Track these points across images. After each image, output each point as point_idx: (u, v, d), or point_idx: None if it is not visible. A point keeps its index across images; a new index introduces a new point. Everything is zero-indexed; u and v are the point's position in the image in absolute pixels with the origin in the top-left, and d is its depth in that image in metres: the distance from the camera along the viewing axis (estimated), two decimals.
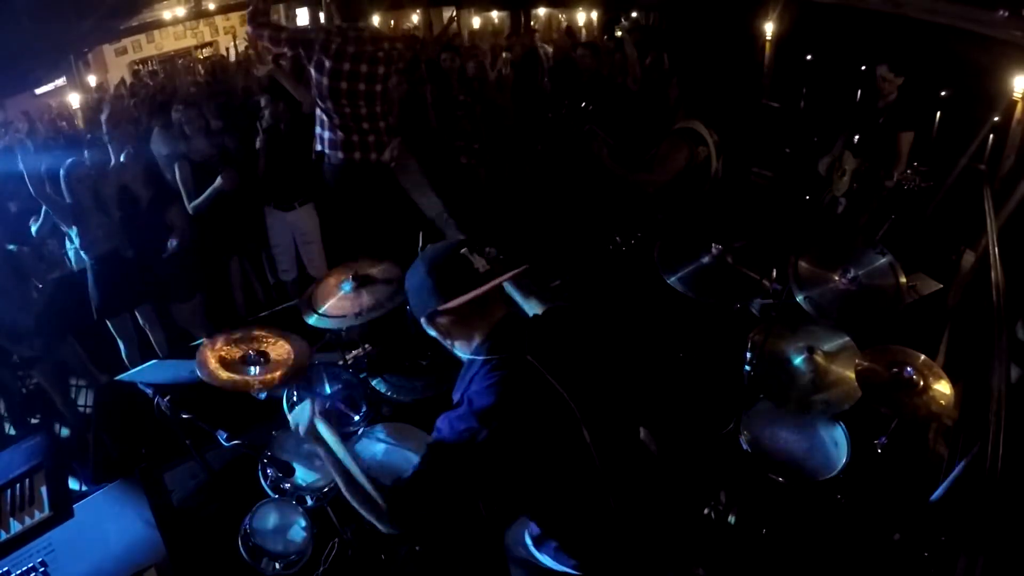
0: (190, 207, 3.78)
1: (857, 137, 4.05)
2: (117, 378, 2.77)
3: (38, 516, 2.04)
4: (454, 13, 7.74)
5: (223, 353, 2.34)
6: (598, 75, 5.08)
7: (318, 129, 3.60)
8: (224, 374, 2.26)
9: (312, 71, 3.39)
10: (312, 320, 2.54)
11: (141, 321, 3.83)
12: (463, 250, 1.36)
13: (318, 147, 3.64)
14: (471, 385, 1.41)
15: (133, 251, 3.58)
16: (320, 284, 2.73)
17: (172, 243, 3.59)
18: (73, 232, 3.47)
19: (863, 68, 4.74)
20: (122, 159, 3.60)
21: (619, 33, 6.73)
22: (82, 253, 3.52)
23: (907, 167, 3.87)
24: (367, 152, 3.58)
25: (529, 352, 1.39)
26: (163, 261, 3.65)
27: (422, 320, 1.43)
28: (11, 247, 3.46)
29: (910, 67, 3.80)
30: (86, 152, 3.59)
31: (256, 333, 2.49)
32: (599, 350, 1.55)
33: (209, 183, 3.74)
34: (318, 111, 3.55)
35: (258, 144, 3.88)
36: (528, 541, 1.65)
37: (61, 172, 3.37)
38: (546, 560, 1.60)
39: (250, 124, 4.02)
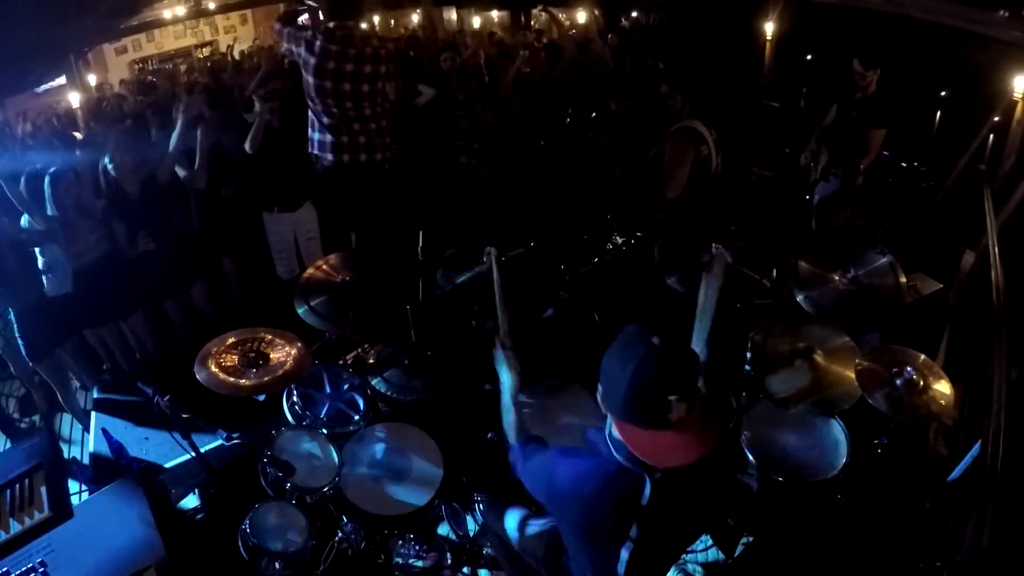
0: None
1: (830, 129, 4.12)
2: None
3: (38, 516, 2.04)
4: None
5: (223, 357, 2.35)
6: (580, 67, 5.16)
7: (309, 131, 3.59)
8: (224, 378, 2.27)
9: (302, 71, 3.39)
10: (302, 311, 2.54)
11: (128, 333, 3.80)
12: (673, 397, 1.24)
13: (309, 149, 3.64)
14: (598, 459, 1.41)
15: (128, 248, 3.55)
16: (315, 273, 2.72)
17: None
18: (52, 251, 3.32)
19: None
20: (111, 161, 3.56)
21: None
22: (50, 275, 3.40)
23: (876, 161, 3.96)
24: (356, 153, 3.57)
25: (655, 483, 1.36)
26: (164, 252, 3.65)
27: (599, 396, 1.38)
28: (20, 234, 3.32)
29: (887, 62, 3.84)
30: (78, 152, 3.51)
31: (256, 334, 2.50)
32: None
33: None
34: (310, 113, 3.54)
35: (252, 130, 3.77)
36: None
37: (45, 182, 3.21)
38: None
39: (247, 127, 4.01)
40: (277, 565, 2.13)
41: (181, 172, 3.76)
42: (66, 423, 3.89)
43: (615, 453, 1.35)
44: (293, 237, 4.24)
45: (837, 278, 2.51)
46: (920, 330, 3.10)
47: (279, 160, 3.93)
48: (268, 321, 2.64)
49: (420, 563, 2.37)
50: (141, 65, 8.88)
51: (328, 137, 3.51)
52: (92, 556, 1.96)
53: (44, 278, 3.41)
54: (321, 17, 3.38)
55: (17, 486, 2.12)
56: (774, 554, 2.49)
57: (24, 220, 3.35)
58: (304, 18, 3.80)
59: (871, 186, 4.17)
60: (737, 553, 2.52)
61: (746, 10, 6.42)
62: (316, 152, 3.60)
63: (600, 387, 1.35)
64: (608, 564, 1.43)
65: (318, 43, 3.30)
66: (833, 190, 4.16)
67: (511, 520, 1.99)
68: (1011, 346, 2.46)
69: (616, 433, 1.34)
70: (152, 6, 7.79)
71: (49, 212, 3.25)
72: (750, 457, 2.38)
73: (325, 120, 3.47)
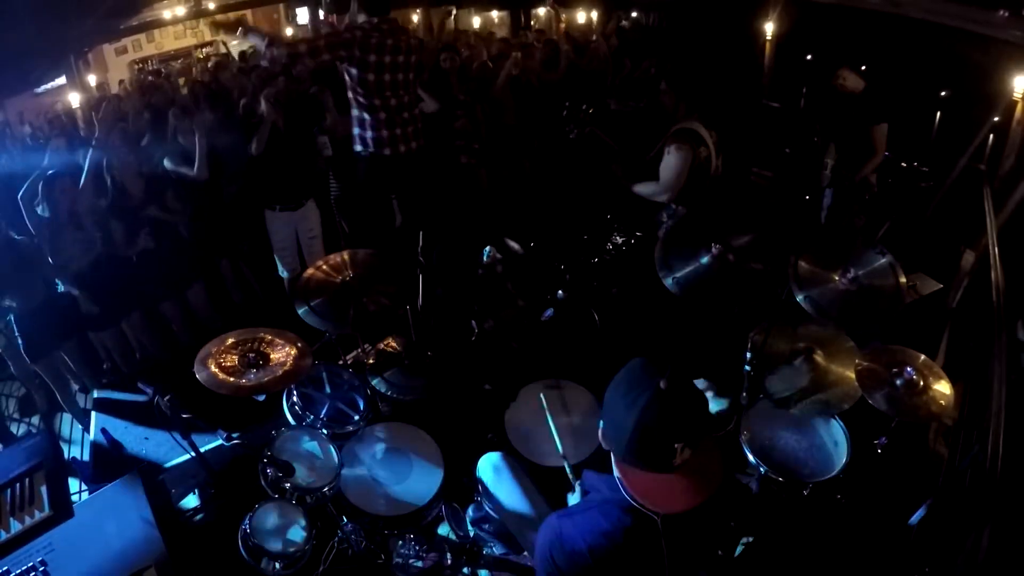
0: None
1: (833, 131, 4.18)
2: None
3: (38, 516, 2.04)
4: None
5: (223, 357, 2.35)
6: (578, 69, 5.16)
7: (358, 130, 3.54)
8: (224, 378, 2.27)
9: (354, 71, 3.30)
10: (302, 311, 2.54)
11: (128, 333, 3.80)
12: (679, 445, 1.22)
13: (358, 147, 3.58)
14: (600, 501, 1.38)
15: (130, 252, 3.55)
16: (314, 273, 2.72)
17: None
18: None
19: (863, 68, 4.76)
20: (112, 161, 3.55)
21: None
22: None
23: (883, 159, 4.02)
24: (408, 143, 3.60)
25: (664, 519, 1.32)
26: (162, 253, 3.65)
27: (600, 433, 1.35)
28: (17, 236, 3.31)
29: (886, 63, 3.89)
30: (85, 154, 3.48)
31: (255, 334, 2.50)
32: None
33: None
34: (357, 113, 3.49)
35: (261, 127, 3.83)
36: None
37: (40, 184, 3.20)
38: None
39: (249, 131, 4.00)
40: (277, 565, 2.13)
41: (185, 170, 3.77)
42: (66, 423, 3.89)
43: (623, 492, 1.32)
44: (295, 236, 4.25)
45: (837, 278, 2.50)
46: (920, 330, 3.10)
47: (283, 159, 3.93)
48: (268, 321, 2.64)
49: (420, 563, 2.37)
50: (141, 65, 8.88)
51: (385, 132, 3.50)
52: (92, 555, 1.96)
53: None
54: (361, 16, 3.31)
55: (17, 485, 2.12)
56: (774, 554, 2.49)
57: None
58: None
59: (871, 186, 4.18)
60: (737, 553, 2.52)
61: (746, 10, 6.43)
62: (371, 150, 3.54)
63: (602, 424, 1.33)
64: None
65: (374, 40, 3.25)
66: (842, 195, 4.17)
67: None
68: (1011, 346, 2.46)
69: (618, 473, 1.33)
70: (152, 6, 7.79)
71: (42, 214, 3.24)
72: (750, 457, 2.38)
73: (382, 116, 3.45)
